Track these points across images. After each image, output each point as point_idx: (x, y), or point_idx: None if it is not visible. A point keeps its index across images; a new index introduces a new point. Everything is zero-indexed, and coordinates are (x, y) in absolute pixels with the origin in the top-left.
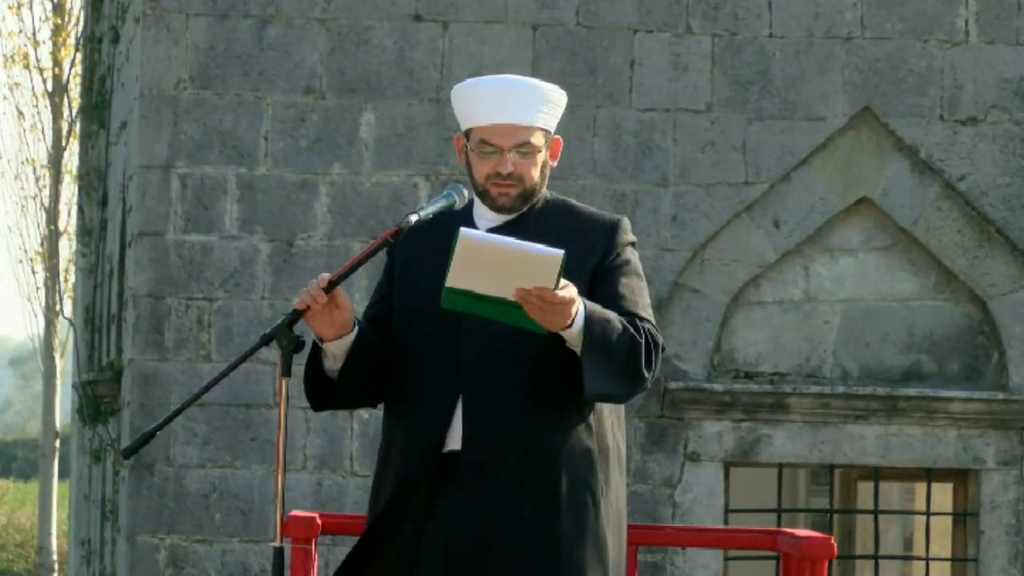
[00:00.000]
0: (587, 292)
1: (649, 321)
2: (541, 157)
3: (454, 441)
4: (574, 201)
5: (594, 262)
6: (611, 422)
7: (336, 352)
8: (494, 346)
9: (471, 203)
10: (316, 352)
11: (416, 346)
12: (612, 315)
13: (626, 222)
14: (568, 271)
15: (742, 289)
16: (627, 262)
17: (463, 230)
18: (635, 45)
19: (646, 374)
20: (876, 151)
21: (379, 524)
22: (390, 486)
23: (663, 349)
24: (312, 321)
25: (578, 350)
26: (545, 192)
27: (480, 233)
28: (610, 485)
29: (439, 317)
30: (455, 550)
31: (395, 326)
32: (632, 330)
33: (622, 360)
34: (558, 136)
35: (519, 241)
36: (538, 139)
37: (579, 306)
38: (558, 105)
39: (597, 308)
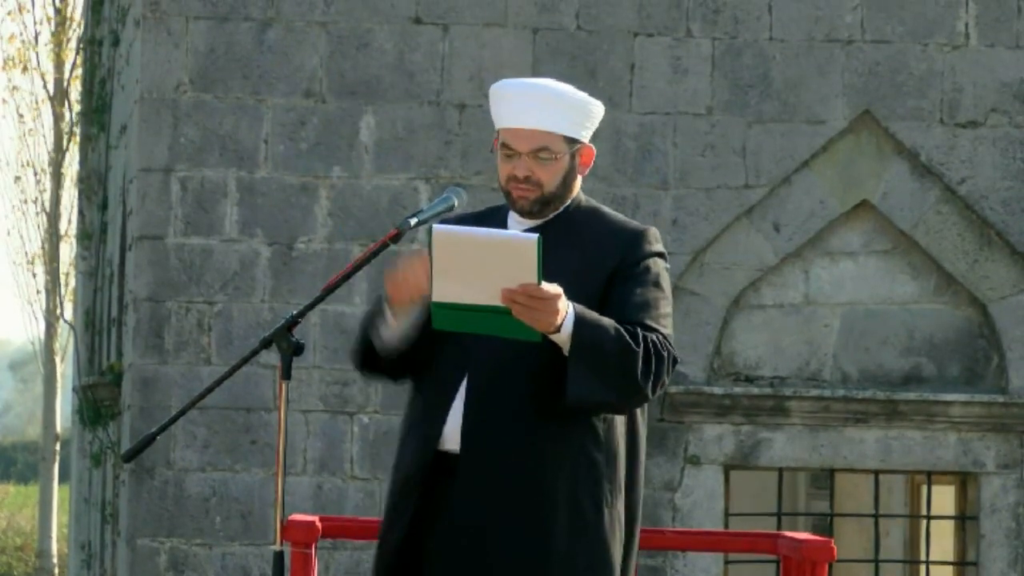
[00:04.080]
0: (599, 299)
1: (659, 331)
2: (563, 164)
3: (455, 443)
4: (606, 208)
5: (610, 269)
6: (623, 432)
7: (402, 320)
8: (503, 351)
9: (507, 206)
10: (373, 315)
11: (434, 351)
12: (607, 321)
13: (653, 232)
14: (582, 276)
15: (742, 292)
16: (646, 271)
17: (436, 225)
18: (635, 48)
19: (642, 384)
20: (876, 154)
21: (385, 525)
22: (395, 485)
23: (675, 361)
24: (397, 289)
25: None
26: (580, 197)
27: (453, 227)
28: (616, 495)
29: None
30: (453, 550)
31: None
32: (628, 338)
33: (613, 368)
34: (590, 145)
35: (494, 229)
36: (558, 146)
37: (568, 309)
38: (589, 114)
39: (589, 313)
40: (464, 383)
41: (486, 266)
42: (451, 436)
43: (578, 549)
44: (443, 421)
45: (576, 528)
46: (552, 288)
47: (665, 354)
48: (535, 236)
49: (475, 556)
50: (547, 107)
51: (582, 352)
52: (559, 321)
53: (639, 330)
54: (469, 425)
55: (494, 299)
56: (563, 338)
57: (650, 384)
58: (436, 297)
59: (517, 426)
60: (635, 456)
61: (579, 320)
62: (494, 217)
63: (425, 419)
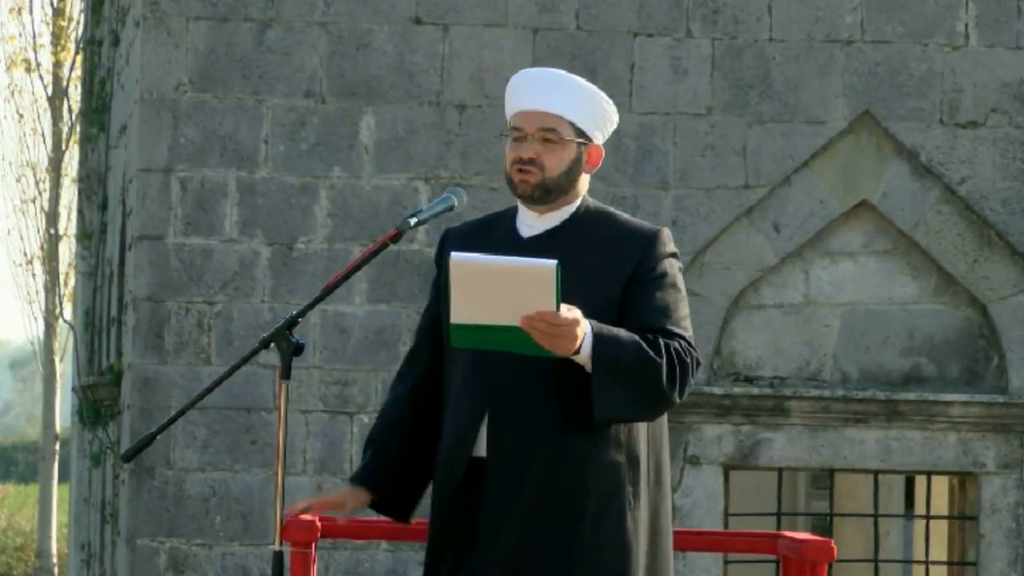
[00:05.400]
0: (617, 304)
1: (680, 336)
2: (568, 152)
3: (483, 451)
4: (615, 210)
5: (627, 274)
6: (645, 435)
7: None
8: (522, 359)
9: (515, 209)
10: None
11: (455, 361)
12: (625, 335)
13: (665, 233)
14: (599, 283)
15: (742, 292)
16: (663, 274)
17: (453, 254)
18: (635, 49)
19: (668, 392)
20: (876, 154)
21: (430, 542)
22: (434, 498)
23: (697, 363)
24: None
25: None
26: (588, 200)
27: (471, 255)
28: (640, 498)
29: None
30: (484, 552)
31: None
32: (649, 349)
33: (636, 381)
34: (599, 145)
35: (511, 257)
36: (566, 130)
37: (586, 329)
38: (603, 112)
39: (606, 329)
40: (487, 391)
41: (504, 291)
42: (480, 444)
43: (601, 551)
44: (470, 432)
45: (599, 530)
46: (570, 314)
47: (688, 360)
48: (553, 263)
49: (504, 558)
50: (559, 91)
51: (605, 371)
52: (577, 344)
53: (660, 339)
54: (494, 432)
55: (512, 320)
56: (583, 358)
57: (676, 391)
58: (455, 318)
59: (541, 431)
60: (660, 456)
61: (597, 338)
62: (502, 221)
63: (457, 432)
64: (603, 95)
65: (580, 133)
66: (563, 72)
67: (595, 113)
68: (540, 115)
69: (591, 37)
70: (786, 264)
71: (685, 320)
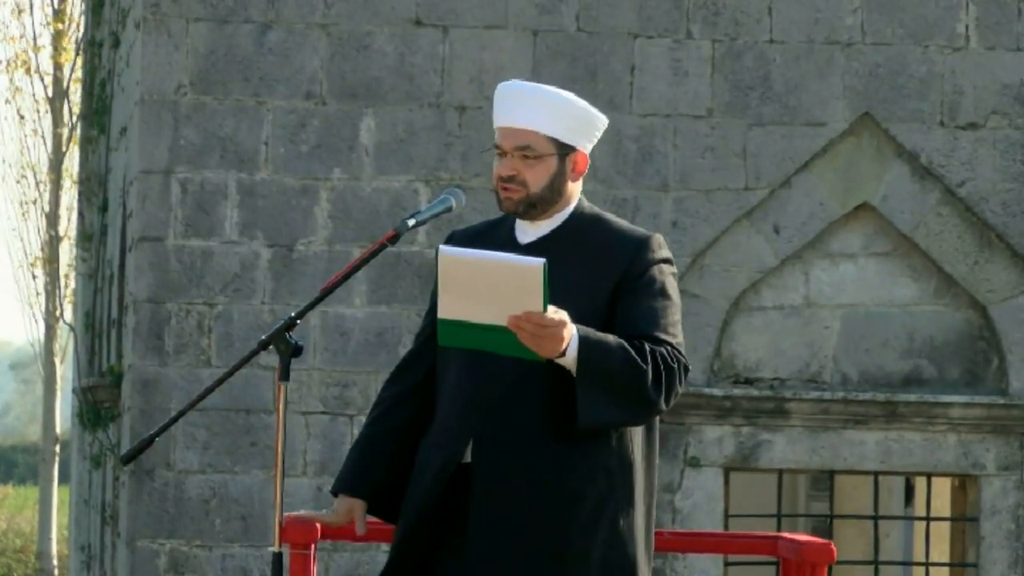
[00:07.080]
0: (605, 310)
1: (668, 343)
2: (549, 166)
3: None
4: (609, 215)
5: (615, 280)
6: (639, 438)
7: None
8: (512, 362)
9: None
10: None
11: (448, 362)
12: (612, 341)
13: (657, 239)
14: (587, 288)
15: (742, 294)
16: (652, 281)
17: (442, 248)
18: (635, 50)
19: (654, 399)
20: (876, 156)
21: (404, 542)
22: (411, 500)
23: (686, 370)
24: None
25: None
26: (583, 204)
27: (460, 249)
28: (634, 502)
29: None
30: (473, 566)
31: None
32: (636, 356)
33: (622, 388)
34: (583, 152)
35: (500, 253)
36: (543, 146)
37: (573, 333)
38: (585, 122)
39: (593, 334)
40: (475, 395)
41: (492, 288)
42: (469, 449)
43: (592, 552)
44: (461, 435)
45: (592, 536)
46: (557, 315)
47: (676, 366)
48: (541, 261)
49: (493, 566)
50: (536, 107)
51: (590, 376)
52: (563, 347)
53: (646, 345)
54: (480, 436)
55: (500, 319)
56: (568, 361)
57: (662, 398)
58: (442, 314)
59: (528, 436)
60: (650, 461)
61: (584, 343)
62: (503, 225)
63: (442, 435)
64: (584, 104)
65: (561, 145)
66: (537, 85)
67: (574, 121)
68: (516, 132)
69: (591, 39)
70: (786, 266)
71: (674, 327)
